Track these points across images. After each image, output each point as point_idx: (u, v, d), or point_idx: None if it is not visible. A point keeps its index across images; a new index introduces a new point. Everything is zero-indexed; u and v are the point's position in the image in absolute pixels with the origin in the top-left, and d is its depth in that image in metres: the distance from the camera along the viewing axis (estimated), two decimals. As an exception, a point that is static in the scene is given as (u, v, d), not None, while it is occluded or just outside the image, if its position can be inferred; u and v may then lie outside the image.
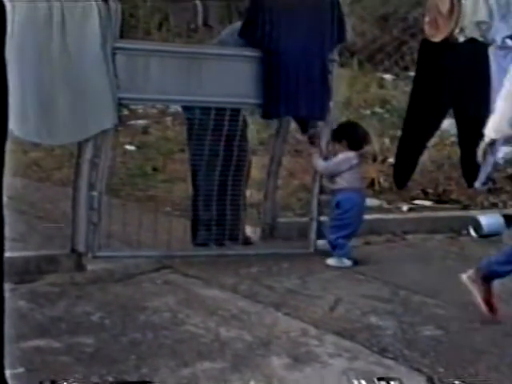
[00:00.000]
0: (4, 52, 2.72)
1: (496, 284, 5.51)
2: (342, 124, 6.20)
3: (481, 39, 6.35)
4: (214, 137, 5.70)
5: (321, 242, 6.08)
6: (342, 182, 5.92)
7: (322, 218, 6.10)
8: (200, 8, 5.56)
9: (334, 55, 5.88)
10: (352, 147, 5.92)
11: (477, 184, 6.71)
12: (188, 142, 5.96)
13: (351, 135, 5.96)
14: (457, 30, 6.27)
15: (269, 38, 5.59)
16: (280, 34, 5.60)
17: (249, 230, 6.13)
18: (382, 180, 7.87)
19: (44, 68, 5.05)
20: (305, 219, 6.19)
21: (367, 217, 6.77)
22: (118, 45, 5.31)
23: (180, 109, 10.26)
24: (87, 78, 5.16)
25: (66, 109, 5.14)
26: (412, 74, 7.23)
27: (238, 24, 5.85)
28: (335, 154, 5.95)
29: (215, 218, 5.85)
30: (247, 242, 6.04)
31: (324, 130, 5.94)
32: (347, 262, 5.84)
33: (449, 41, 6.28)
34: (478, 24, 6.29)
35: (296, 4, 5.65)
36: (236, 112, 5.73)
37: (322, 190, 6.08)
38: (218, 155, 5.75)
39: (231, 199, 5.87)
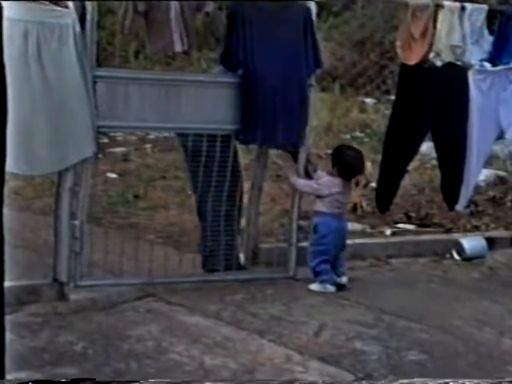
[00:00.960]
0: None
1: (480, 306, 5.54)
2: (340, 148, 6.14)
3: (458, 63, 6.39)
4: (208, 163, 5.72)
5: (302, 269, 6.04)
6: (321, 206, 5.89)
7: (303, 244, 6.07)
8: (177, 35, 5.55)
9: (311, 80, 5.88)
10: (341, 175, 5.89)
11: (458, 207, 6.72)
12: (189, 170, 5.95)
13: (343, 163, 5.89)
14: (432, 54, 6.30)
15: (246, 64, 5.59)
16: (257, 60, 5.61)
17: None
18: (364, 204, 7.87)
19: (23, 99, 5.02)
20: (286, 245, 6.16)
21: (350, 242, 6.77)
22: (98, 73, 5.30)
23: (160, 135, 10.34)
24: (66, 108, 5.14)
25: (45, 139, 5.11)
26: (393, 97, 7.24)
27: None
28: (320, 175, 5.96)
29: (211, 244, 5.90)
30: (240, 267, 6.01)
31: (301, 155, 5.92)
32: (330, 288, 5.81)
33: (424, 64, 6.31)
34: (453, 48, 6.33)
35: (272, 30, 5.67)
36: (228, 138, 5.73)
37: (301, 215, 6.06)
38: (212, 182, 5.76)
39: (226, 225, 5.89)
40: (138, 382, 3.67)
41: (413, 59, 6.28)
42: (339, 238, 5.96)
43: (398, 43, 6.33)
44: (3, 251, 2.82)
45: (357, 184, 8.47)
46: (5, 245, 2.92)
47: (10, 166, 5.07)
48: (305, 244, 6.08)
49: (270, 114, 5.67)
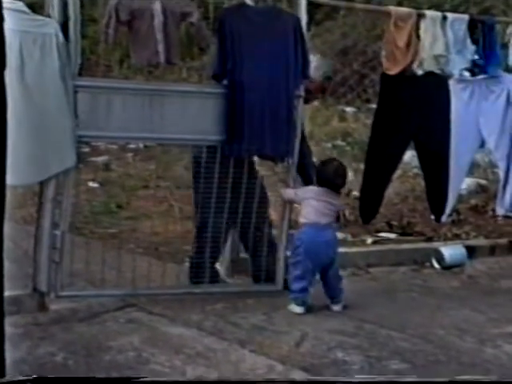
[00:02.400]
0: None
1: (461, 315, 5.56)
2: (320, 162, 5.99)
3: (438, 72, 6.42)
4: (220, 175, 5.70)
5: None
6: (300, 216, 5.70)
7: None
8: (161, 45, 5.55)
9: (300, 91, 5.84)
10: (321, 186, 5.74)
11: (443, 218, 6.75)
12: (193, 181, 5.90)
13: (320, 176, 5.73)
14: (416, 64, 6.33)
15: (232, 73, 5.59)
16: (244, 69, 5.60)
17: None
18: (347, 213, 7.89)
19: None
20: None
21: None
22: (80, 83, 5.30)
23: (141, 145, 10.33)
24: (48, 118, 5.13)
25: (27, 149, 5.09)
26: (374, 106, 7.27)
27: None
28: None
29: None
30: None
31: (290, 166, 5.88)
32: (296, 309, 5.54)
33: (405, 73, 6.34)
34: (436, 57, 6.36)
35: (260, 40, 5.65)
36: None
37: (291, 226, 6.00)
38: (226, 194, 5.74)
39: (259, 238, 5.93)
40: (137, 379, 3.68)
41: (396, 69, 6.30)
42: (315, 251, 5.55)
43: (383, 53, 6.34)
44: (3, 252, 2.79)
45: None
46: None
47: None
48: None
49: (256, 124, 5.63)
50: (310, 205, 5.61)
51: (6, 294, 5.21)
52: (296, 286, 5.58)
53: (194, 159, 5.86)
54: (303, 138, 6.03)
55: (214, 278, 5.91)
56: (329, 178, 5.66)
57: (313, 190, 5.71)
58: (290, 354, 4.74)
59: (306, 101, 6.04)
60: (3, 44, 2.87)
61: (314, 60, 6.16)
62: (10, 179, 5.23)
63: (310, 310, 5.58)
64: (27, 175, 5.22)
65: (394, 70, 6.30)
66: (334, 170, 5.73)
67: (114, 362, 4.50)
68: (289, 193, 5.83)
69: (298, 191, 5.78)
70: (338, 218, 5.84)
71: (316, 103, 9.96)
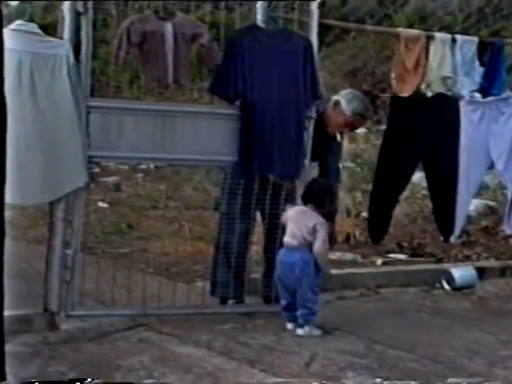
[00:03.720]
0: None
1: (471, 336, 5.54)
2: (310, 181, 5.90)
3: (448, 93, 6.44)
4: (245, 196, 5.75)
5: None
6: None
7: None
8: (171, 67, 5.59)
9: (310, 112, 5.86)
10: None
11: (452, 238, 6.74)
12: (222, 201, 5.93)
13: (305, 194, 5.69)
14: (423, 85, 6.36)
15: (244, 95, 5.62)
16: (254, 90, 5.63)
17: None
18: (357, 234, 7.91)
19: (16, 129, 5.04)
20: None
21: (341, 271, 6.81)
22: (92, 103, 5.34)
23: (152, 166, 10.37)
24: (59, 138, 5.17)
25: (38, 169, 5.13)
26: (383, 127, 7.29)
27: None
28: None
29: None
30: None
31: (299, 188, 5.86)
32: (288, 326, 5.59)
33: (415, 95, 6.36)
34: (444, 79, 6.39)
35: (270, 61, 5.69)
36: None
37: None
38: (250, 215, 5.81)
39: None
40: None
41: (407, 91, 6.32)
42: (282, 272, 5.58)
43: (393, 75, 6.37)
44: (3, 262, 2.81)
45: (348, 214, 8.52)
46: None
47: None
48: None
49: (267, 146, 5.66)
50: (288, 226, 5.61)
51: (17, 312, 5.27)
52: (280, 303, 5.65)
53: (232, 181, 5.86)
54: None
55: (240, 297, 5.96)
56: (311, 194, 5.63)
57: (294, 210, 5.65)
58: (300, 374, 4.74)
59: (340, 133, 6.16)
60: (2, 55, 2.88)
61: (346, 93, 6.20)
62: (21, 199, 5.31)
63: (320, 329, 5.57)
64: (38, 195, 5.26)
65: (405, 92, 6.33)
66: (318, 186, 5.71)
67: (124, 381, 4.49)
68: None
69: (287, 212, 5.73)
70: (331, 239, 5.79)
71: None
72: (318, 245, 5.50)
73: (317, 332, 5.51)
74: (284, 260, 5.59)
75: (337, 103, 6.11)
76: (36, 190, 5.21)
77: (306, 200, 5.64)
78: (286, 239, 5.59)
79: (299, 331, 5.51)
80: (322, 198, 5.61)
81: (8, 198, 5.19)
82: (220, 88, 5.71)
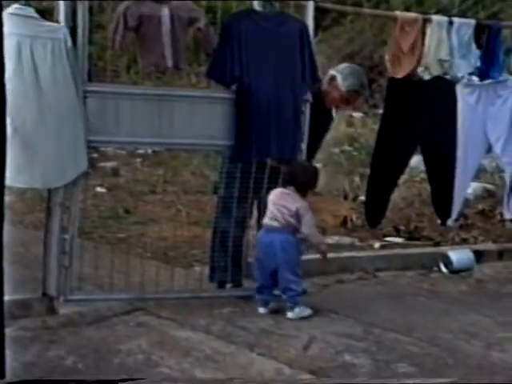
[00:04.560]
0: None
1: (469, 319, 5.57)
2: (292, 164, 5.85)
3: (447, 76, 6.44)
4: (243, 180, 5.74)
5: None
6: None
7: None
8: (168, 51, 5.57)
9: (308, 96, 5.87)
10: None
11: (449, 222, 6.76)
12: (220, 185, 5.93)
13: (287, 176, 5.69)
14: (420, 68, 6.35)
15: (241, 79, 5.62)
16: (252, 75, 5.62)
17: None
18: (354, 218, 7.91)
19: (22, 112, 5.04)
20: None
21: (339, 255, 6.81)
22: (89, 88, 5.34)
23: (150, 151, 10.36)
24: (63, 123, 5.17)
25: (46, 152, 5.13)
26: (381, 111, 7.29)
27: None
28: None
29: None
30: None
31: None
32: (260, 310, 5.59)
33: (412, 78, 6.36)
34: (440, 62, 6.38)
35: (266, 44, 5.68)
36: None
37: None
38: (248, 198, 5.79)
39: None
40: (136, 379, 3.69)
41: (401, 73, 6.32)
42: (262, 252, 5.60)
43: (387, 57, 6.37)
44: (2, 256, 2.83)
45: (345, 197, 8.53)
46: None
47: (13, 180, 5.13)
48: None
49: (264, 129, 5.66)
50: (268, 208, 5.61)
51: (16, 297, 5.29)
52: (256, 285, 5.65)
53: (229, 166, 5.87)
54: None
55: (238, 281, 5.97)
56: (293, 176, 5.63)
57: (275, 193, 5.64)
58: (298, 358, 4.76)
59: (336, 107, 6.20)
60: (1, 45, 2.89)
61: (343, 68, 6.19)
62: (32, 182, 5.30)
63: (317, 313, 5.59)
64: (48, 179, 5.25)
65: (399, 74, 6.32)
66: (300, 169, 5.70)
67: (123, 365, 4.52)
68: None
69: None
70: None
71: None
72: (307, 228, 5.52)
73: (307, 312, 5.52)
74: (264, 241, 5.59)
75: (332, 78, 6.10)
76: (47, 174, 5.21)
77: (287, 182, 5.63)
78: (266, 221, 5.59)
79: (289, 314, 5.51)
80: (303, 181, 5.61)
81: (20, 181, 5.24)
82: (217, 72, 5.70)
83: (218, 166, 6.13)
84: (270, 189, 5.74)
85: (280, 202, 5.57)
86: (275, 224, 5.55)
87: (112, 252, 5.89)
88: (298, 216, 5.51)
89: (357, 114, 11.92)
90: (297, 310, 5.51)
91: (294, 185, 5.60)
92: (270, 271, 5.58)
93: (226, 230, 5.85)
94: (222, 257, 5.87)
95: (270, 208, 5.59)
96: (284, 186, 5.66)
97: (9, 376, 4.19)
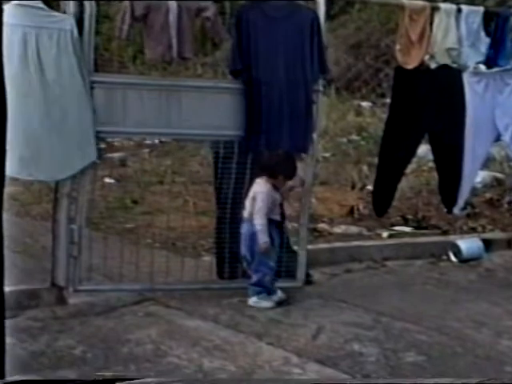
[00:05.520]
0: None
1: (478, 308, 5.56)
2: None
3: (454, 65, 6.41)
4: (238, 170, 5.71)
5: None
6: None
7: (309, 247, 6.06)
8: (175, 41, 5.57)
9: (318, 85, 5.85)
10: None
11: (456, 210, 6.74)
12: (214, 177, 5.90)
13: (261, 166, 5.65)
14: (427, 57, 6.33)
15: (250, 69, 5.60)
16: (261, 64, 5.61)
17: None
18: (361, 207, 7.90)
19: (27, 104, 5.05)
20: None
21: (347, 244, 6.81)
22: (96, 78, 5.33)
23: (157, 141, 10.36)
24: (69, 113, 5.17)
25: (51, 145, 5.14)
26: (389, 100, 7.27)
27: None
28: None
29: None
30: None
31: (308, 162, 5.88)
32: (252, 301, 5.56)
33: (421, 67, 6.34)
34: (448, 50, 6.35)
35: (276, 34, 5.66)
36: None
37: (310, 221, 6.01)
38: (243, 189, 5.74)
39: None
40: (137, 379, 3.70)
41: (412, 63, 6.29)
42: (244, 243, 5.61)
43: (398, 47, 6.33)
44: (3, 255, 2.84)
45: (353, 187, 8.52)
46: (4, 249, 2.94)
47: (17, 171, 5.15)
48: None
49: (274, 119, 5.64)
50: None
51: (25, 287, 5.32)
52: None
53: (215, 154, 5.86)
54: None
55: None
56: (263, 164, 5.60)
57: (254, 183, 5.64)
58: (307, 347, 4.76)
59: None
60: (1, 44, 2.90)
61: None
62: (38, 174, 5.31)
63: (326, 302, 5.59)
64: (53, 171, 5.26)
65: (410, 64, 6.29)
66: (269, 156, 5.63)
67: (131, 354, 4.53)
68: None
69: None
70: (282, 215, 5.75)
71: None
72: (254, 214, 5.51)
73: (266, 303, 5.50)
74: (244, 233, 5.61)
75: None
76: (52, 166, 5.22)
77: (261, 171, 5.60)
78: (244, 214, 5.61)
79: (249, 301, 5.52)
80: (272, 168, 5.55)
81: (23, 173, 5.25)
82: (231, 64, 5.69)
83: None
84: None
85: (251, 193, 5.58)
86: (245, 214, 5.60)
87: (121, 242, 5.90)
88: (253, 201, 5.53)
89: (365, 104, 11.91)
90: (254, 298, 5.51)
91: (265, 172, 5.56)
92: (247, 261, 5.60)
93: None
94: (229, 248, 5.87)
95: (253, 201, 5.58)
96: (258, 175, 5.61)
97: (18, 365, 4.22)
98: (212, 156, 5.95)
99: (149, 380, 4.03)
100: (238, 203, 5.72)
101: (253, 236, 5.52)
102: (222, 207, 5.83)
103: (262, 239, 5.50)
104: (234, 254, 5.82)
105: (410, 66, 6.29)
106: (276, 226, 5.65)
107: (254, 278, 5.56)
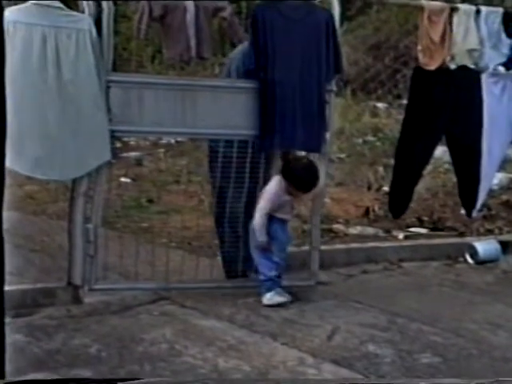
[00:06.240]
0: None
1: (494, 310, 5.54)
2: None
3: (473, 66, 6.39)
4: (237, 168, 5.74)
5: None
6: None
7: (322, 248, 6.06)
8: (193, 41, 5.58)
9: (331, 85, 5.85)
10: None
11: (474, 212, 6.72)
12: (210, 175, 5.95)
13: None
14: (448, 58, 6.31)
15: (265, 68, 5.60)
16: (277, 64, 5.60)
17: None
18: (376, 208, 7.89)
19: (42, 104, 5.07)
20: (304, 249, 6.14)
21: (363, 245, 6.80)
22: (112, 78, 5.34)
23: (173, 141, 10.38)
24: (84, 113, 5.18)
25: (65, 144, 5.15)
26: (405, 102, 7.25)
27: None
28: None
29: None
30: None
31: (321, 162, 5.87)
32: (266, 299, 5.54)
33: (440, 68, 6.32)
34: (470, 52, 6.33)
35: (292, 34, 5.66)
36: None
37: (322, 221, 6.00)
38: (243, 187, 5.77)
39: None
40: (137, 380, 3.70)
41: (433, 64, 6.27)
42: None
43: (419, 47, 6.31)
44: (3, 255, 2.83)
45: (369, 188, 8.50)
46: (4, 249, 2.91)
47: (31, 170, 5.18)
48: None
49: (288, 119, 5.64)
50: None
51: (41, 286, 5.34)
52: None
53: (211, 151, 5.89)
54: None
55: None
56: (286, 168, 5.62)
57: (272, 179, 5.68)
58: (321, 347, 4.76)
59: None
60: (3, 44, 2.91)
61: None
62: (51, 174, 5.33)
63: (341, 303, 5.58)
64: (67, 170, 5.27)
65: (432, 66, 6.27)
66: (297, 164, 5.69)
67: (146, 353, 4.53)
68: None
69: None
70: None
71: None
72: (256, 210, 5.55)
73: (280, 299, 5.49)
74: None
75: None
76: (65, 165, 5.24)
77: (283, 175, 5.60)
78: None
79: (263, 300, 5.50)
80: (291, 177, 5.54)
81: (39, 173, 5.28)
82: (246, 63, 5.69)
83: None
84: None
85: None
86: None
87: (136, 241, 5.91)
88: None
89: (381, 105, 11.88)
90: (268, 295, 5.50)
91: (287, 179, 5.55)
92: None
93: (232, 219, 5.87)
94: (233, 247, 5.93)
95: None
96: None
97: (34, 363, 4.24)
98: (211, 155, 5.97)
99: (149, 380, 4.03)
100: (239, 202, 5.78)
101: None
102: (221, 206, 5.85)
103: (259, 237, 5.53)
104: (235, 253, 5.87)
105: (432, 67, 6.27)
106: (283, 223, 5.65)
107: (260, 273, 5.55)
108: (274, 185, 5.56)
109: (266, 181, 5.75)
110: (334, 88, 5.88)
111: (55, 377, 4.10)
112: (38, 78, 5.06)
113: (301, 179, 5.57)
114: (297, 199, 5.72)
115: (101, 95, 5.23)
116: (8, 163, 3.13)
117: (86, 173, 5.31)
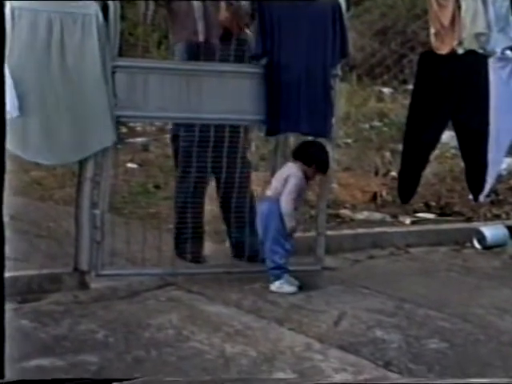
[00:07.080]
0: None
1: (501, 295, 5.53)
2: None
3: (480, 51, 6.35)
4: (214, 153, 5.78)
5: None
6: None
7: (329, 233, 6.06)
8: (200, 25, 5.55)
9: (337, 70, 5.84)
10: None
11: (481, 197, 6.69)
12: (181, 160, 5.92)
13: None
14: (455, 42, 6.28)
15: (271, 53, 5.58)
16: (282, 49, 5.59)
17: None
18: (384, 193, 7.87)
19: (44, 89, 5.07)
20: (311, 234, 6.13)
21: (370, 230, 6.78)
22: (118, 63, 5.32)
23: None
24: (87, 97, 5.17)
25: (66, 128, 5.15)
26: (410, 87, 7.21)
27: None
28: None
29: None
30: (252, 258, 5.97)
31: (327, 146, 5.86)
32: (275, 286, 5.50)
33: (447, 53, 6.29)
34: (477, 36, 6.29)
35: (298, 19, 5.64)
36: (234, 128, 5.77)
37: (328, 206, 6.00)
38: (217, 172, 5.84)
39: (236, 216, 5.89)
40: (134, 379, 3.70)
41: (445, 48, 6.24)
42: (261, 224, 5.59)
43: (432, 31, 6.27)
44: (4, 254, 2.81)
45: (376, 173, 8.48)
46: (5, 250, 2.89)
47: (32, 155, 5.19)
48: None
49: (294, 103, 5.63)
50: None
51: (47, 271, 5.34)
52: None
53: (173, 137, 5.94)
54: None
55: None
56: (303, 151, 5.64)
57: (286, 166, 5.67)
58: (328, 333, 4.75)
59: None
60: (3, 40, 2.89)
61: None
62: (50, 158, 5.34)
63: (348, 288, 5.58)
64: (67, 154, 5.28)
65: (443, 50, 6.25)
66: (311, 145, 5.74)
67: (153, 339, 4.53)
68: None
69: None
70: None
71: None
72: (284, 195, 5.48)
73: (289, 288, 5.46)
74: (257, 211, 5.64)
75: None
76: (65, 149, 5.24)
77: (295, 156, 5.62)
78: (268, 193, 5.61)
79: (271, 287, 5.48)
80: (311, 158, 5.57)
81: (39, 157, 5.29)
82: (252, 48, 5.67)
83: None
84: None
85: (279, 173, 5.61)
86: (268, 193, 5.59)
87: (143, 227, 5.90)
88: (285, 183, 5.50)
89: (386, 90, 11.84)
90: (277, 283, 5.47)
91: (300, 159, 5.57)
92: (263, 241, 5.58)
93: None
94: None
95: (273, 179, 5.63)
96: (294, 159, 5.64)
97: (40, 349, 4.24)
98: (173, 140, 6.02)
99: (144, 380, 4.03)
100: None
101: (270, 216, 5.48)
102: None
103: (289, 222, 5.48)
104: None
105: (443, 52, 6.24)
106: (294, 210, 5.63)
107: (270, 260, 5.51)
108: (295, 171, 5.52)
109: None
110: (340, 73, 5.86)
111: (61, 362, 4.11)
112: (43, 65, 5.04)
113: (322, 160, 5.61)
114: (309, 185, 5.71)
115: (104, 80, 5.21)
116: (11, 148, 3.11)
117: (87, 156, 5.29)
